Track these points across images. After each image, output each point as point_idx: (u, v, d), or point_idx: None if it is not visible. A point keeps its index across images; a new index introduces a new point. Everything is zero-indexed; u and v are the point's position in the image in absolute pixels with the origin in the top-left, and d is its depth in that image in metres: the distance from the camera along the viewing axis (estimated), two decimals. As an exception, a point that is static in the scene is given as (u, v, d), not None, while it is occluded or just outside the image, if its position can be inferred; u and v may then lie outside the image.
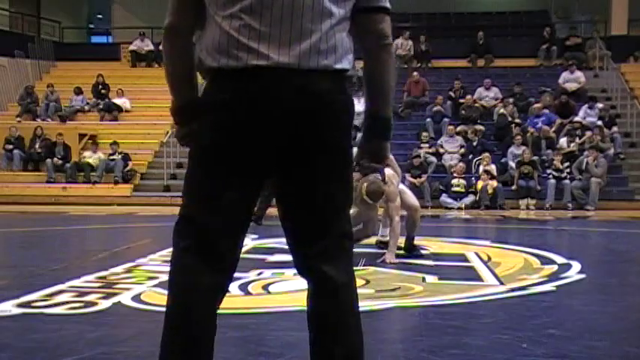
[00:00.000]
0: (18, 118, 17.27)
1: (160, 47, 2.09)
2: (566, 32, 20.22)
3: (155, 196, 14.14)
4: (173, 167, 14.86)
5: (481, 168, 13.66)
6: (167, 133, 15.39)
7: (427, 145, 14.80)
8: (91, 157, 15.31)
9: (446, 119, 15.71)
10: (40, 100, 17.86)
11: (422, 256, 6.05)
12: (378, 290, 4.49)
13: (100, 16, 27.62)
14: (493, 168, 13.62)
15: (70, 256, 6.44)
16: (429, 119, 15.79)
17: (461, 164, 13.98)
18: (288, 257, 5.41)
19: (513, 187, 13.53)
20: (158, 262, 5.52)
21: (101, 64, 19.30)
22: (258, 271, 5.09)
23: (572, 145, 14.21)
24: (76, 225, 9.71)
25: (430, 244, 6.75)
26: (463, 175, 13.67)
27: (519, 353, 3.05)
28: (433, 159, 14.44)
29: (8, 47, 19.15)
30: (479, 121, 15.51)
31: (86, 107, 17.67)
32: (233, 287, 4.46)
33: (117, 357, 2.95)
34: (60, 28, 23.08)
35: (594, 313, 3.98)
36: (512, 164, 13.82)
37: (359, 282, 4.83)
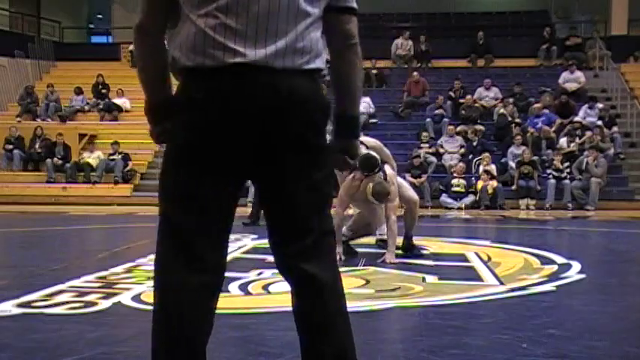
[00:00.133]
0: (18, 118, 17.27)
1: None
2: (566, 32, 20.22)
3: (155, 196, 14.08)
4: (173, 167, 14.84)
5: (481, 168, 13.67)
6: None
7: (427, 145, 14.80)
8: (90, 157, 15.32)
9: (446, 119, 15.71)
10: (40, 100, 17.87)
11: (421, 256, 6.05)
12: (378, 290, 4.49)
13: (100, 16, 27.62)
14: (493, 168, 13.62)
15: (70, 256, 6.44)
16: (429, 119, 15.79)
17: (461, 164, 13.98)
18: (288, 257, 5.19)
19: (513, 187, 13.54)
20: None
21: (101, 64, 19.30)
22: (258, 271, 5.09)
23: (572, 145, 14.21)
24: (76, 225, 9.71)
25: (430, 244, 6.75)
26: (463, 175, 13.68)
27: (519, 353, 3.05)
28: (433, 159, 14.44)
29: (8, 47, 19.15)
30: (479, 121, 15.51)
31: (86, 107, 17.67)
32: (233, 287, 4.47)
33: (117, 357, 2.95)
34: (60, 28, 23.09)
35: (594, 313, 3.98)
36: (512, 164, 13.82)
37: (359, 282, 4.87)
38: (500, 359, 2.97)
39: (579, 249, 7.59)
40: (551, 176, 13.48)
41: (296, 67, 1.92)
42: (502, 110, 15.54)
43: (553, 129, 14.84)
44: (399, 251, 5.98)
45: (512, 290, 4.53)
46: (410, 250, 6.13)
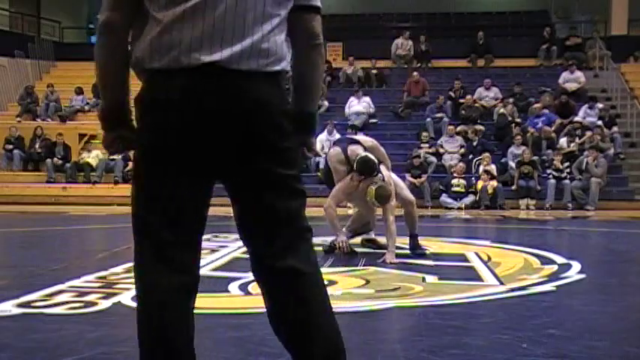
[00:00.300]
0: (18, 118, 17.27)
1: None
2: (566, 32, 20.22)
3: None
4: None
5: (481, 168, 13.67)
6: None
7: (427, 145, 14.80)
8: (89, 157, 15.32)
9: (446, 119, 15.70)
10: (40, 100, 17.87)
11: (425, 255, 6.08)
12: (378, 290, 4.49)
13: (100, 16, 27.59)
14: (493, 168, 13.62)
15: (70, 256, 6.44)
16: (429, 119, 15.79)
17: (461, 164, 13.98)
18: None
19: (513, 187, 13.53)
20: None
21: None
22: (258, 271, 5.08)
23: (572, 145, 14.21)
24: (76, 225, 9.71)
25: (430, 244, 6.74)
26: (463, 175, 13.67)
27: (519, 353, 3.05)
28: (433, 159, 14.44)
29: (8, 47, 19.15)
30: (479, 121, 15.51)
31: (86, 107, 17.67)
32: (233, 287, 4.47)
33: (117, 357, 2.95)
34: (60, 28, 23.08)
35: (594, 313, 3.98)
36: (512, 164, 13.82)
37: (359, 282, 4.87)
38: (500, 359, 2.97)
39: (579, 249, 7.59)
40: (551, 176, 13.48)
41: (260, 70, 1.92)
42: (502, 110, 15.53)
43: (553, 129, 14.83)
44: (399, 251, 5.99)
45: (512, 290, 4.53)
46: (416, 249, 6.15)
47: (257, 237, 2.01)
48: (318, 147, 14.48)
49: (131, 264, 5.82)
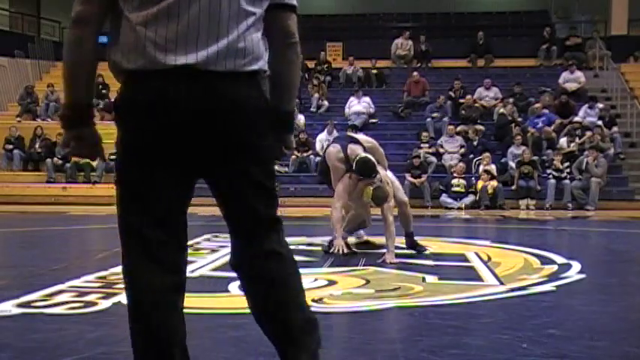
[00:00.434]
0: (18, 118, 17.26)
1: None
2: (566, 32, 20.21)
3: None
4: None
5: (481, 168, 13.66)
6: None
7: (427, 145, 14.79)
8: (89, 157, 15.32)
9: (446, 119, 15.70)
10: (40, 100, 17.86)
11: (424, 252, 6.16)
12: (378, 290, 4.49)
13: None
14: (493, 168, 13.62)
15: (70, 256, 6.44)
16: (429, 119, 15.79)
17: (461, 164, 13.98)
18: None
19: (513, 187, 13.53)
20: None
21: (101, 64, 18.99)
22: (258, 271, 5.07)
23: (572, 145, 14.21)
24: (76, 225, 9.70)
25: (430, 244, 6.74)
26: (463, 175, 13.67)
27: (519, 353, 3.05)
28: (433, 159, 14.44)
29: (8, 47, 19.15)
30: (479, 121, 15.50)
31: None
32: (233, 287, 4.46)
33: (117, 357, 2.94)
34: (60, 28, 23.04)
35: (594, 313, 3.98)
36: (512, 164, 13.82)
37: (359, 282, 4.87)
38: (500, 359, 2.97)
39: (579, 249, 7.59)
40: (551, 176, 13.48)
41: (237, 70, 1.93)
42: (502, 110, 15.53)
43: (552, 128, 14.83)
44: (407, 251, 6.03)
45: (512, 290, 4.53)
46: (414, 247, 6.20)
47: (237, 231, 2.08)
48: (317, 147, 14.49)
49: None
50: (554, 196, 13.28)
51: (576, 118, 15.08)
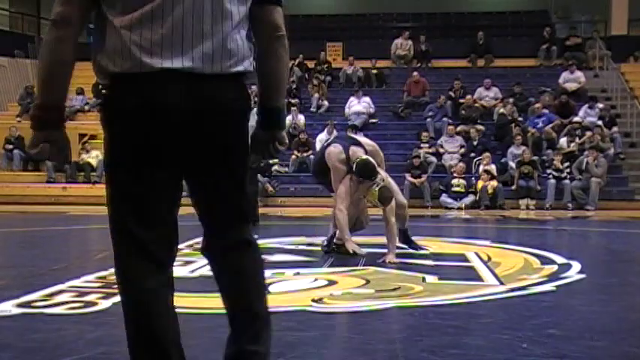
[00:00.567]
0: (18, 118, 17.25)
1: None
2: (566, 32, 20.21)
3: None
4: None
5: (481, 168, 13.67)
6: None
7: (427, 145, 14.79)
8: (88, 157, 15.32)
9: (445, 119, 15.70)
10: (40, 100, 17.84)
11: (420, 250, 6.21)
12: (378, 290, 4.49)
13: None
14: (493, 168, 13.62)
15: (70, 256, 6.44)
16: (429, 119, 15.79)
17: (461, 164, 13.98)
18: (288, 257, 5.44)
19: (513, 187, 13.53)
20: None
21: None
22: (258, 271, 5.07)
23: (572, 145, 14.21)
24: (76, 225, 9.70)
25: (430, 244, 6.74)
26: (463, 175, 13.67)
27: (519, 353, 3.05)
28: (433, 159, 14.44)
29: (8, 47, 19.14)
30: (479, 121, 15.50)
31: (86, 107, 17.67)
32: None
33: (117, 357, 2.94)
34: (60, 28, 23.09)
35: (594, 313, 3.98)
36: (512, 164, 13.82)
37: (359, 282, 4.87)
38: (500, 359, 2.97)
39: (579, 249, 7.59)
40: (551, 176, 13.48)
41: (223, 72, 1.94)
42: (502, 110, 15.53)
43: (551, 126, 14.82)
44: (407, 251, 6.06)
45: (512, 290, 4.53)
46: (408, 242, 6.27)
47: (215, 225, 2.11)
48: (317, 147, 14.48)
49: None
50: (554, 196, 13.28)
51: (576, 118, 15.08)
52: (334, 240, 6.23)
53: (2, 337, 3.29)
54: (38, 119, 1.93)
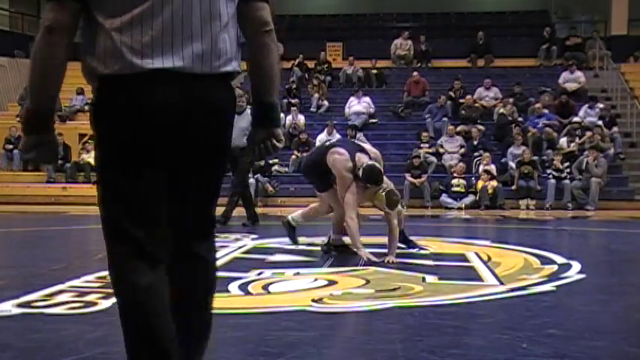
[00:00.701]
0: (18, 118, 17.23)
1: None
2: (566, 32, 20.21)
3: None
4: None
5: (481, 168, 13.67)
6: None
7: (427, 145, 14.79)
8: (88, 157, 15.32)
9: (445, 119, 15.70)
10: (40, 100, 17.85)
11: (417, 249, 6.27)
12: (378, 290, 4.49)
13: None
14: (493, 168, 13.62)
15: (70, 256, 6.44)
16: (429, 119, 15.78)
17: (461, 164, 13.97)
18: (288, 257, 5.44)
19: (513, 187, 13.53)
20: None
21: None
22: (258, 271, 5.08)
23: (572, 145, 14.20)
24: (76, 225, 9.70)
25: (430, 244, 6.75)
26: (463, 175, 13.67)
27: (519, 353, 3.05)
28: (433, 159, 14.44)
29: (8, 47, 19.15)
30: (479, 121, 15.50)
31: (86, 107, 17.66)
32: (233, 287, 4.46)
33: (117, 357, 2.94)
34: (60, 28, 23.10)
35: (594, 313, 3.98)
36: (512, 164, 13.82)
37: (359, 282, 4.87)
38: (500, 359, 2.97)
39: (579, 249, 7.59)
40: (551, 176, 13.47)
41: (213, 72, 1.96)
42: (502, 110, 15.53)
43: (548, 123, 14.83)
44: (408, 251, 6.07)
45: (512, 290, 4.53)
46: (406, 242, 6.31)
47: (182, 224, 2.10)
48: (318, 147, 14.47)
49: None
50: (554, 196, 13.28)
51: (576, 118, 15.08)
52: (330, 241, 6.24)
53: (2, 337, 3.29)
54: (30, 123, 1.96)
